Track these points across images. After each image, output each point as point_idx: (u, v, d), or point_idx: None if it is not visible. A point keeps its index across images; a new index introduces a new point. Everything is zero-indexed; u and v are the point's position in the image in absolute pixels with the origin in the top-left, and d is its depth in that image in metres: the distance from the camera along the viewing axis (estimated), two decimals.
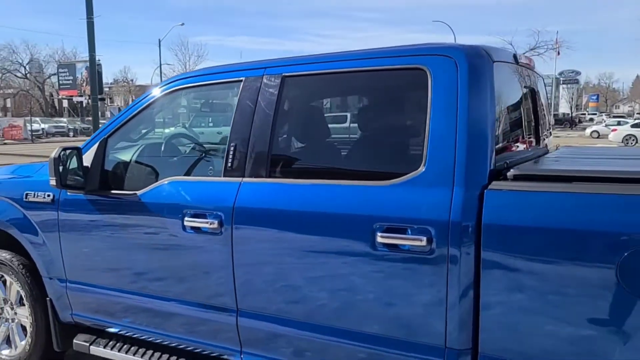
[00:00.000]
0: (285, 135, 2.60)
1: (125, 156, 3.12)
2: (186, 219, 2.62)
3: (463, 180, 2.09)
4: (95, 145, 3.03)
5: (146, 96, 3.00)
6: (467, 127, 2.13)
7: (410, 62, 2.31)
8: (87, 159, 3.01)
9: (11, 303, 3.49)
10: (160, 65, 46.72)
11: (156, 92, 2.97)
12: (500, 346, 2.05)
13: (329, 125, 2.64)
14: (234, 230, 2.52)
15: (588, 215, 1.88)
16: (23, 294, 3.37)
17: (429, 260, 2.10)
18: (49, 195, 3.14)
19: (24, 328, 3.44)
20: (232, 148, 2.62)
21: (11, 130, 37.34)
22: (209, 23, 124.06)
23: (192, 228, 2.62)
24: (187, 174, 2.96)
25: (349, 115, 2.65)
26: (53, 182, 2.83)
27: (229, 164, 2.61)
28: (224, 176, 2.62)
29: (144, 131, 3.22)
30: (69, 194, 3.05)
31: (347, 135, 2.61)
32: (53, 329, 3.28)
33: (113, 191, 2.94)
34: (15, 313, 3.48)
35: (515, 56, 2.60)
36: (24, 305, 3.40)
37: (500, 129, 2.28)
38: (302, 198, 2.39)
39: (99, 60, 32.92)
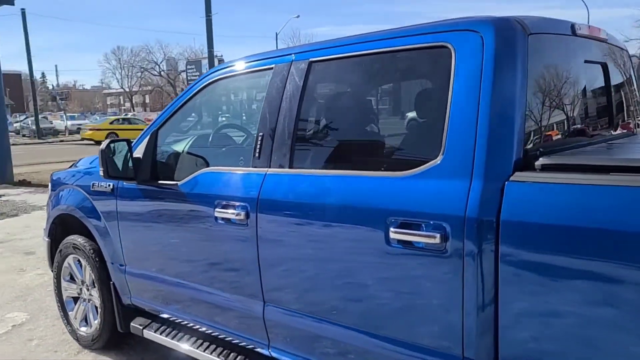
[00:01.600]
0: (308, 124, 2.48)
1: (174, 147, 3.19)
2: (217, 209, 2.61)
3: (483, 171, 1.84)
4: (147, 138, 3.12)
5: (190, 88, 3.03)
6: (489, 111, 1.87)
7: (435, 39, 2.08)
8: (142, 150, 3.11)
9: (87, 285, 3.75)
10: None
11: (199, 84, 2.99)
12: (521, 358, 1.79)
13: (358, 113, 2.47)
14: (258, 222, 2.46)
15: (618, 212, 1.57)
16: (94, 276, 3.60)
17: (444, 260, 1.89)
18: (109, 185, 3.30)
19: (96, 308, 3.68)
20: (260, 138, 2.56)
21: (148, 123, 40.71)
22: (324, 14, 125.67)
23: (223, 219, 2.60)
24: (224, 164, 2.94)
25: (373, 101, 2.46)
26: (101, 172, 2.96)
27: (257, 155, 2.56)
28: (252, 167, 2.57)
29: (191, 122, 3.26)
30: (125, 184, 3.19)
31: (371, 123, 2.42)
32: (116, 311, 3.47)
33: (160, 181, 3.01)
34: (90, 294, 3.73)
35: (573, 27, 2.25)
36: (95, 287, 3.63)
37: (538, 111, 1.98)
38: (316, 189, 2.27)
39: (221, 55, 34.67)
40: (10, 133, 39.48)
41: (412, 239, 1.95)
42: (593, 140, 2.31)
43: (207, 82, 2.95)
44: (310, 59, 2.47)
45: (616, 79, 2.64)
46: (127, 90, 71.37)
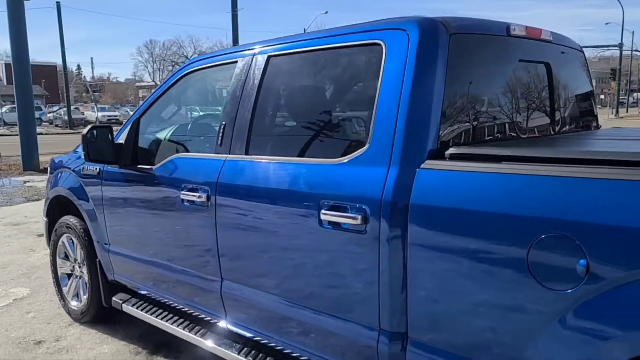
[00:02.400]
0: (264, 114, 2.65)
1: (152, 134, 3.41)
2: (183, 192, 2.82)
3: (399, 159, 2.01)
4: (129, 125, 3.35)
5: (168, 79, 3.25)
6: (408, 104, 2.03)
7: (370, 37, 2.24)
8: (125, 137, 3.34)
9: (78, 262, 4.01)
10: None
11: (175, 75, 3.20)
12: (427, 332, 1.95)
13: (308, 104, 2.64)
14: (217, 204, 2.66)
15: (502, 198, 1.71)
16: (84, 254, 3.86)
17: (364, 240, 2.06)
18: (96, 169, 3.55)
19: (86, 285, 3.94)
20: (222, 126, 2.76)
21: None
22: (354, 10, 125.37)
23: (188, 201, 2.81)
24: (195, 150, 3.14)
25: (318, 93, 2.63)
26: (83, 155, 3.20)
27: (219, 142, 2.75)
28: (215, 153, 2.77)
29: (170, 111, 3.48)
30: (109, 168, 3.43)
31: (315, 114, 2.59)
32: (101, 286, 3.72)
33: (139, 166, 3.23)
34: (81, 271, 3.99)
35: (508, 28, 2.38)
36: (84, 264, 3.89)
37: (457, 106, 2.13)
38: (264, 175, 2.46)
39: None
40: (44, 123, 40.82)
41: (339, 221, 2.12)
42: (524, 134, 2.44)
43: (183, 74, 3.17)
44: (269, 54, 2.66)
45: (562, 77, 2.76)
46: (159, 83, 72.66)
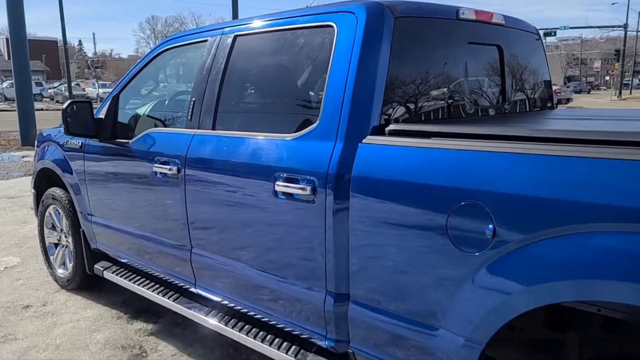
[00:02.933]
0: (229, 91, 2.79)
1: (132, 110, 3.57)
2: (155, 165, 2.99)
3: (344, 134, 2.16)
4: (109, 101, 3.51)
5: (145, 57, 3.39)
6: (354, 83, 2.18)
7: (324, 19, 2.38)
8: (105, 112, 3.50)
9: (64, 232, 4.20)
10: None
11: (152, 53, 3.34)
12: (365, 292, 2.13)
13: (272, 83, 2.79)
14: (186, 176, 2.83)
15: (426, 169, 1.88)
16: (69, 224, 4.05)
17: (313, 209, 2.22)
18: (79, 143, 3.71)
19: (72, 253, 4.13)
20: (192, 102, 2.91)
21: None
22: None
23: (160, 173, 2.97)
24: (169, 125, 3.30)
25: (278, 72, 2.78)
26: (63, 129, 3.36)
27: (189, 117, 2.91)
28: (185, 128, 2.93)
29: (148, 87, 3.63)
30: (90, 142, 3.59)
31: (275, 91, 2.75)
32: (85, 255, 3.91)
33: (118, 140, 3.39)
34: (67, 241, 4.18)
35: (457, 11, 2.51)
36: (70, 234, 4.08)
37: (401, 85, 2.27)
38: (227, 149, 2.63)
39: None
40: (45, 99, 40.81)
41: (292, 192, 2.29)
42: (471, 113, 2.59)
43: (159, 52, 3.31)
44: (236, 33, 2.80)
45: (514, 60, 2.89)
46: None
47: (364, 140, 2.11)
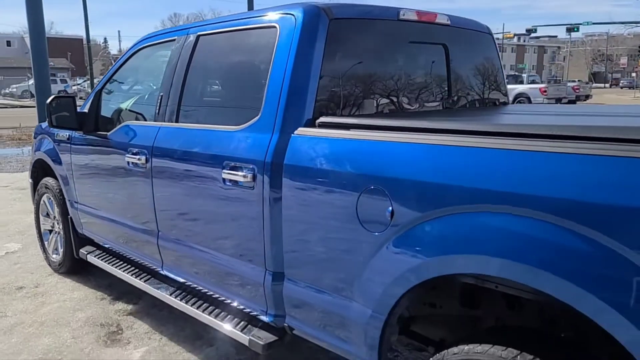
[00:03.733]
0: (191, 87, 3.01)
1: (114, 104, 3.81)
2: (127, 155, 3.22)
3: (280, 126, 2.36)
4: (92, 96, 3.76)
5: (123, 55, 3.63)
6: (290, 79, 2.37)
7: (270, 21, 2.58)
8: (88, 106, 3.76)
9: (57, 219, 4.48)
10: None
11: (129, 52, 3.58)
12: (295, 269, 2.34)
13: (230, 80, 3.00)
14: (152, 166, 3.05)
15: (341, 158, 2.08)
16: (59, 212, 4.32)
17: (253, 195, 2.43)
18: (67, 135, 3.97)
19: (63, 239, 4.41)
20: (160, 97, 3.14)
21: None
22: None
23: (132, 163, 3.21)
24: (142, 119, 3.54)
25: (231, 69, 2.98)
26: (47, 122, 3.62)
27: (157, 111, 3.14)
28: (154, 121, 3.16)
29: (127, 83, 3.87)
30: (76, 134, 3.85)
31: (227, 88, 2.96)
32: (73, 240, 4.18)
33: (99, 132, 3.64)
34: (59, 227, 4.46)
35: (398, 13, 2.68)
36: (60, 221, 4.35)
37: (336, 81, 2.46)
38: (185, 140, 2.85)
39: None
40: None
41: (237, 179, 2.50)
42: (411, 108, 2.76)
43: (135, 50, 3.55)
44: (199, 33, 3.02)
45: (461, 58, 3.05)
46: None
47: (296, 132, 2.31)
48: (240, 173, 2.47)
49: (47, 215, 4.62)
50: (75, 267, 4.40)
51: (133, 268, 3.58)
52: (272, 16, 2.58)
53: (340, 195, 2.08)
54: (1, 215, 6.51)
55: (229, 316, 2.79)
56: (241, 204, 2.52)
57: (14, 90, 43.25)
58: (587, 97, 30.41)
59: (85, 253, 4.00)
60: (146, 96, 3.64)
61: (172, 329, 3.54)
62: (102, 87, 3.75)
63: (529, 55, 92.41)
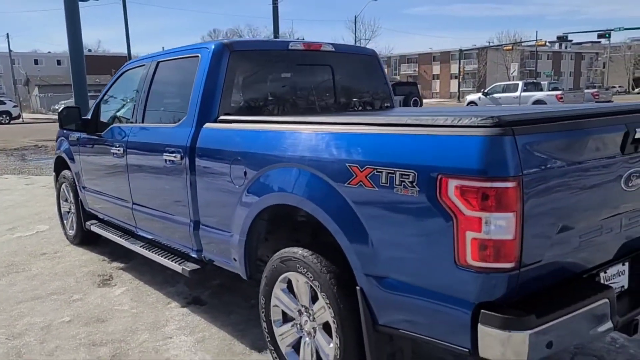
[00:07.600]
0: (151, 98, 4.25)
1: (110, 112, 5.10)
2: (112, 148, 4.49)
3: (196, 123, 3.56)
4: (94, 106, 5.07)
5: (114, 76, 4.93)
6: (203, 91, 3.57)
7: (196, 52, 3.80)
8: (91, 113, 5.07)
9: (72, 202, 5.80)
10: (356, 40, 49.70)
11: (118, 73, 4.88)
12: (204, 217, 3.52)
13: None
14: (127, 154, 4.31)
15: (224, 141, 3.26)
16: (73, 196, 5.65)
17: (180, 169, 3.63)
18: (76, 136, 5.29)
19: (75, 217, 5.72)
20: (135, 104, 4.40)
21: None
22: None
23: (114, 153, 4.48)
24: (123, 121, 4.80)
25: (173, 86, 4.22)
26: (58, 125, 4.95)
27: (132, 115, 4.40)
28: (131, 122, 4.42)
29: (119, 97, 5.16)
30: (83, 135, 5.16)
31: (171, 97, 4.21)
32: (81, 216, 5.49)
33: (97, 132, 4.94)
34: (74, 208, 5.78)
35: (287, 44, 3.86)
36: (74, 203, 5.68)
37: (235, 93, 3.65)
38: (144, 135, 4.09)
39: (302, 38, 36.90)
40: None
41: (172, 159, 3.70)
42: (298, 111, 3.92)
43: (121, 72, 4.85)
44: (158, 60, 4.27)
45: (346, 75, 4.20)
46: None
47: (204, 126, 3.50)
48: (173, 155, 3.68)
49: (66, 200, 5.96)
50: (85, 239, 5.71)
51: (119, 232, 4.84)
52: (197, 49, 3.80)
53: (222, 164, 3.26)
54: (38, 207, 7.94)
55: (174, 257, 3.99)
56: (175, 176, 3.73)
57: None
58: (608, 102, 30.62)
59: (89, 225, 5.31)
60: (127, 105, 4.91)
61: (148, 277, 4.78)
62: (101, 99, 5.06)
63: (565, 62, 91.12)
